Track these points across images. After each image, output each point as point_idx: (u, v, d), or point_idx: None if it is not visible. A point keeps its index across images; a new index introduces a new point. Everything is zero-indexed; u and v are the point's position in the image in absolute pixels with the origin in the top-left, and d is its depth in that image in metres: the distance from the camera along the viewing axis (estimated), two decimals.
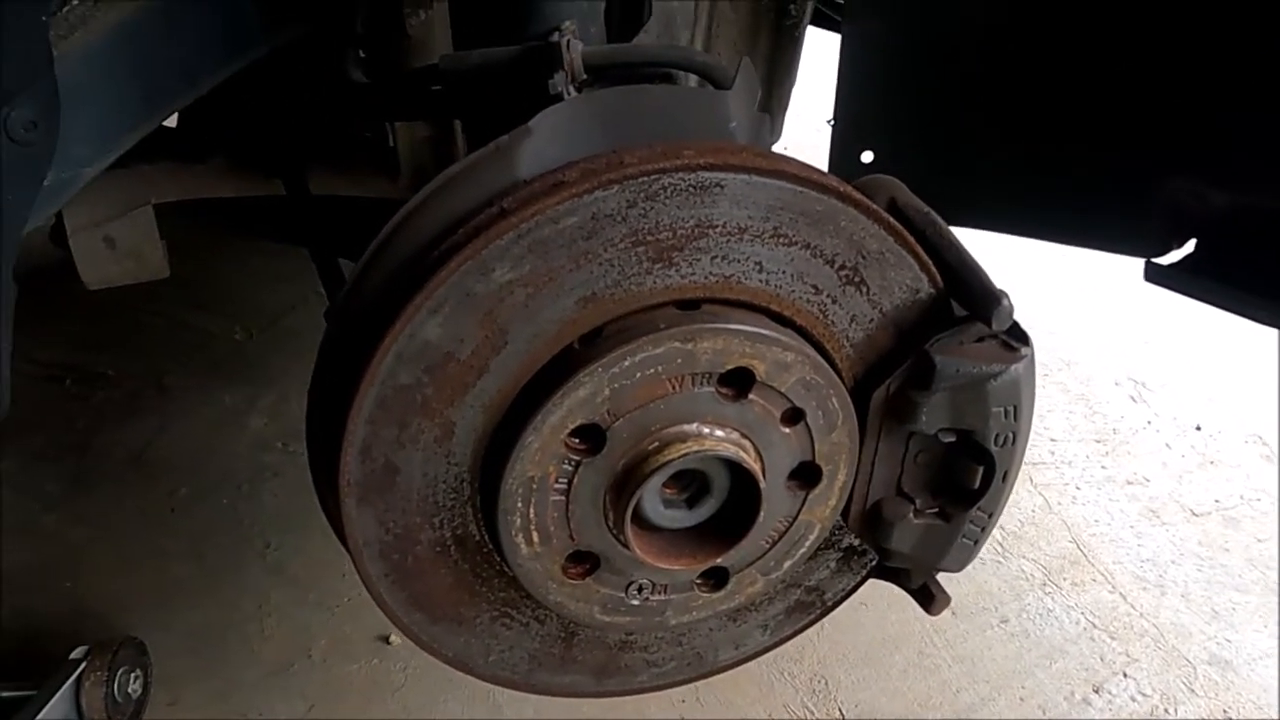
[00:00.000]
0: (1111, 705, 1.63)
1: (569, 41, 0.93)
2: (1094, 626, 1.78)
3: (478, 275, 0.77)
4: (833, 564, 1.06)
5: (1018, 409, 0.90)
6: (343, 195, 1.68)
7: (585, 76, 0.96)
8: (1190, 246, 1.41)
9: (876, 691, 1.66)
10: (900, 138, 1.60)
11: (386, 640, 1.76)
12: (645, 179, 0.77)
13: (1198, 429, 2.30)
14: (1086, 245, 1.50)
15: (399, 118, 1.37)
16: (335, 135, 1.58)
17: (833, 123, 1.61)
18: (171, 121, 1.40)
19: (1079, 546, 1.96)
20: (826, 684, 1.67)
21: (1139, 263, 1.40)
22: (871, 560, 1.07)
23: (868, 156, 1.64)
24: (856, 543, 1.05)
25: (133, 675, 1.62)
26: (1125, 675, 1.69)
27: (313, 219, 1.48)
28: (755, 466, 0.86)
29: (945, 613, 1.05)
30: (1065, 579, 1.88)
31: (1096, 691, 1.65)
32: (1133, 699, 1.64)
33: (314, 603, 1.85)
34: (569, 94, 0.95)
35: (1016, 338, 0.89)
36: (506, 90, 0.98)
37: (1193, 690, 1.65)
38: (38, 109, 1.05)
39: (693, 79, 1.08)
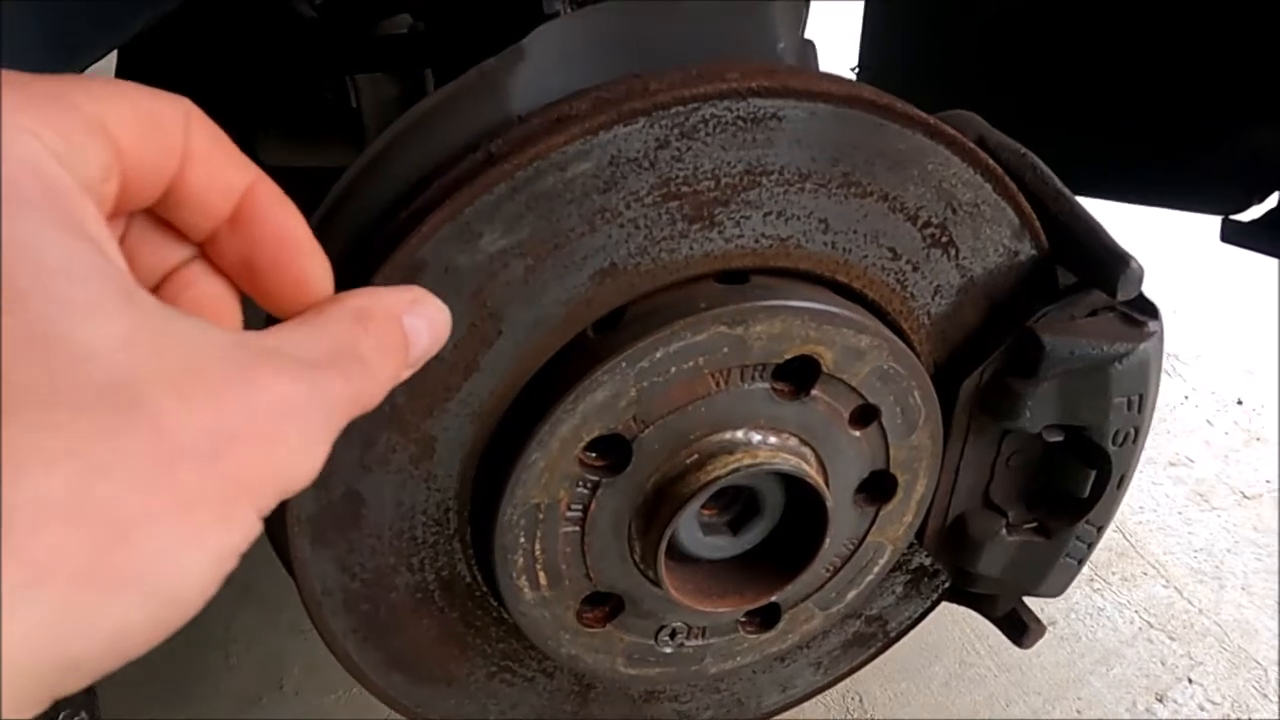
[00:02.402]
0: (1179, 715, 1.47)
1: None
2: (1150, 626, 1.61)
3: (459, 243, 0.57)
4: (899, 589, 0.88)
5: (1143, 399, 0.72)
6: (299, 166, 1.48)
7: None
8: (1274, 201, 1.24)
9: (917, 708, 1.49)
10: (934, 85, 1.41)
11: None
12: (680, 109, 0.57)
13: (1239, 403, 2.14)
14: (1152, 203, 1.32)
15: (358, 66, 1.16)
16: (288, 95, 1.37)
17: (857, 70, 1.43)
18: None
19: (1125, 536, 1.79)
20: (861, 701, 1.50)
21: (1160, 227, 1.23)
22: (944, 582, 0.89)
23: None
24: (928, 561, 0.87)
25: (77, 718, 1.43)
26: (1190, 681, 1.52)
27: None
28: (821, 482, 0.68)
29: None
30: (1114, 573, 1.71)
31: (1160, 700, 1.49)
32: (1201, 707, 1.48)
33: (286, 625, 1.65)
34: (567, 11, 0.76)
35: (1142, 310, 0.71)
36: (490, 12, 0.79)
37: (1266, 695, 1.49)
38: None
39: None
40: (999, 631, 0.88)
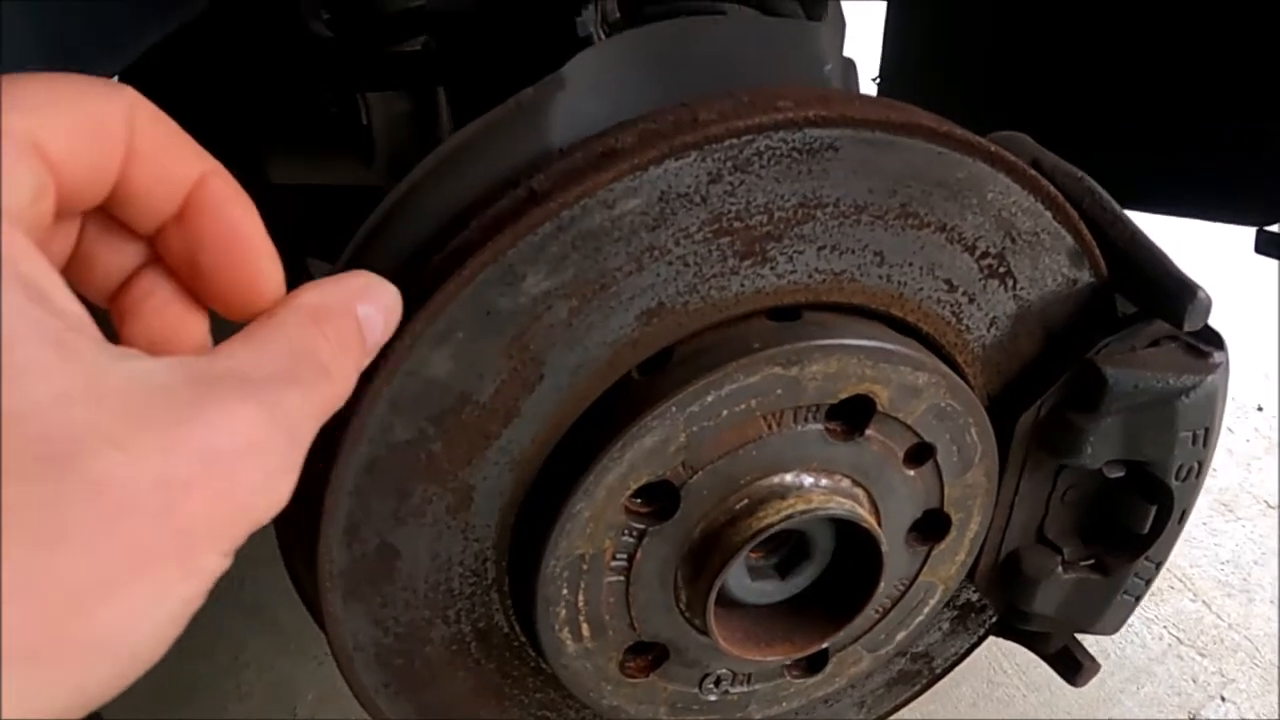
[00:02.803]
0: None
1: None
2: (1180, 642, 1.58)
3: (501, 286, 0.54)
4: (945, 625, 0.85)
5: (1209, 432, 0.69)
6: (307, 184, 1.45)
7: (617, 14, 0.74)
8: None
9: None
10: (957, 95, 1.38)
11: None
12: (734, 141, 0.54)
13: (1259, 410, 2.11)
14: (1183, 214, 1.29)
15: (374, 84, 1.13)
16: (296, 112, 1.34)
17: (878, 80, 1.40)
18: None
19: None
20: None
21: (1173, 232, 1.20)
22: (990, 616, 0.86)
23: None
24: (975, 597, 0.83)
25: None
26: (1223, 699, 1.49)
27: (273, 212, 1.24)
28: (876, 526, 0.64)
29: None
30: None
31: (1194, 719, 1.46)
32: None
33: (297, 651, 1.62)
34: (600, 37, 0.73)
35: (1206, 340, 0.68)
36: (516, 35, 0.76)
37: None
38: None
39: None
40: (1024, 650, 0.85)
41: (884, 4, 1.53)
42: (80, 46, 1.00)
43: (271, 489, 0.33)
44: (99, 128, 0.33)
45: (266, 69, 1.14)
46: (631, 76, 0.60)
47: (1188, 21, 1.17)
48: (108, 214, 0.37)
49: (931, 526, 0.70)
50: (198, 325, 0.39)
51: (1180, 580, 1.71)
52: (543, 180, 0.55)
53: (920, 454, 0.67)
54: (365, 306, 0.40)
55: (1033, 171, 0.62)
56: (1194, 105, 1.18)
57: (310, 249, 1.30)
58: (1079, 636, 0.83)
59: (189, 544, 0.30)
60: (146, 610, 0.30)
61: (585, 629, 0.65)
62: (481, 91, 0.78)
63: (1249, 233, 1.24)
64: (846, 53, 0.75)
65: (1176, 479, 0.70)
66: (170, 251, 0.38)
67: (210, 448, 0.31)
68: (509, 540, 0.63)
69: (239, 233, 0.37)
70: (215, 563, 0.31)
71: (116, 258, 0.38)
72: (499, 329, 0.55)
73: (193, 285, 0.38)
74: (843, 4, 1.30)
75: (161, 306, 0.38)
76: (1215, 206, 1.20)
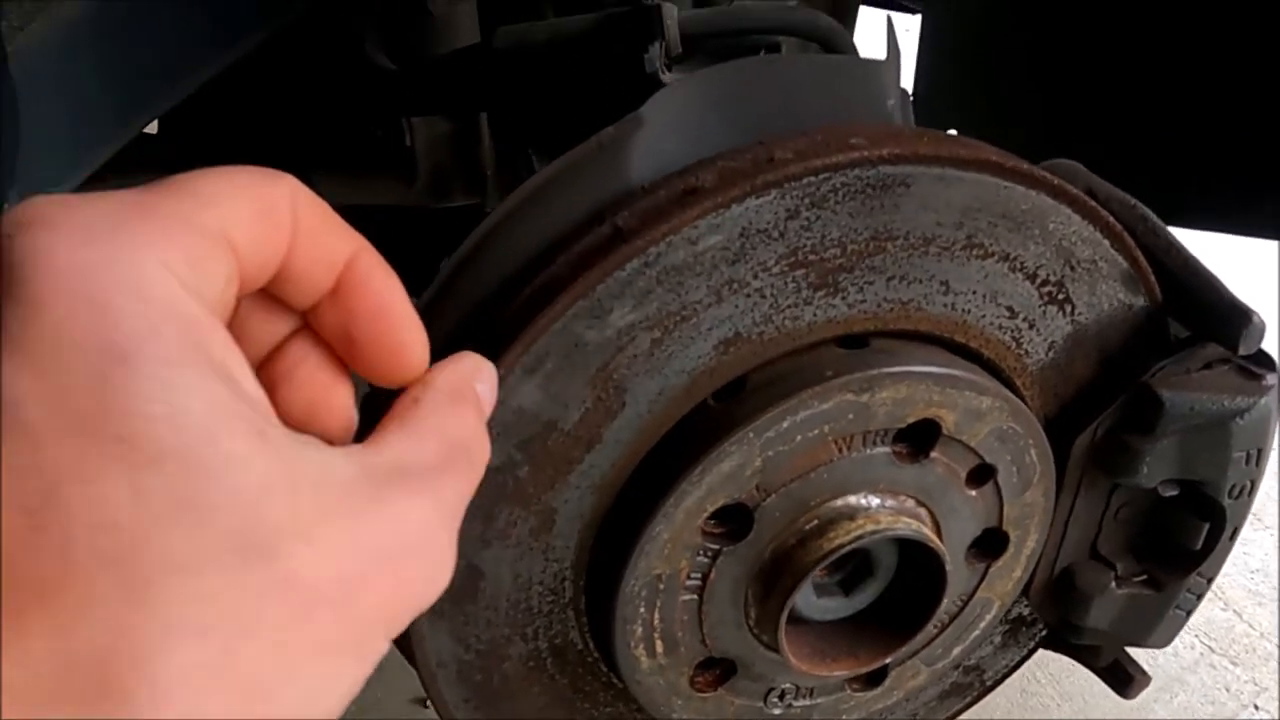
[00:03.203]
0: None
1: (663, 4, 0.73)
2: (1211, 651, 1.59)
3: (589, 319, 0.56)
4: (997, 638, 0.87)
5: (1262, 452, 0.71)
6: (352, 204, 1.48)
7: (679, 49, 0.76)
8: None
9: None
10: (987, 120, 1.41)
11: (424, 704, 1.56)
12: (812, 180, 0.57)
13: None
14: (1213, 228, 1.31)
15: (435, 111, 1.16)
16: (344, 133, 1.37)
17: (912, 97, 1.42)
18: (152, 126, 1.20)
19: None
20: None
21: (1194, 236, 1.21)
22: (1041, 630, 0.88)
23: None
24: (1026, 611, 0.85)
25: None
26: (1256, 708, 1.50)
27: None
28: (942, 546, 0.67)
29: None
30: None
31: None
32: None
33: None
34: (664, 71, 0.75)
35: (1259, 362, 0.70)
36: (581, 71, 0.78)
37: None
38: None
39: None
40: (1060, 660, 0.87)
41: (917, 21, 1.56)
42: (143, 80, 1.04)
43: (436, 575, 0.36)
44: (271, 215, 0.36)
45: (318, 94, 1.16)
46: (706, 115, 0.62)
47: (1215, 37, 1.19)
48: (263, 290, 0.39)
49: (990, 544, 0.73)
50: (344, 392, 0.41)
51: (1211, 589, 1.72)
52: (627, 217, 0.57)
53: (982, 474, 0.69)
54: (480, 385, 0.44)
55: (1093, 204, 0.64)
56: (1223, 118, 1.19)
57: None
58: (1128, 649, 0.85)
59: (365, 633, 0.33)
60: (324, 692, 0.32)
61: (659, 646, 0.67)
62: (558, 115, 0.80)
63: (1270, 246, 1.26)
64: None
65: (1230, 497, 0.72)
66: (323, 324, 0.40)
67: (385, 542, 0.34)
68: (587, 560, 0.65)
69: (388, 306, 0.40)
70: (384, 645, 0.34)
71: (269, 331, 0.40)
72: (585, 360, 0.58)
73: (344, 354, 0.40)
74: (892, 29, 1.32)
75: (311, 375, 0.40)
76: (1237, 219, 1.22)
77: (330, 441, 0.39)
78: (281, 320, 0.40)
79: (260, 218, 0.35)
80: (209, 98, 1.10)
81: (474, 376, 0.44)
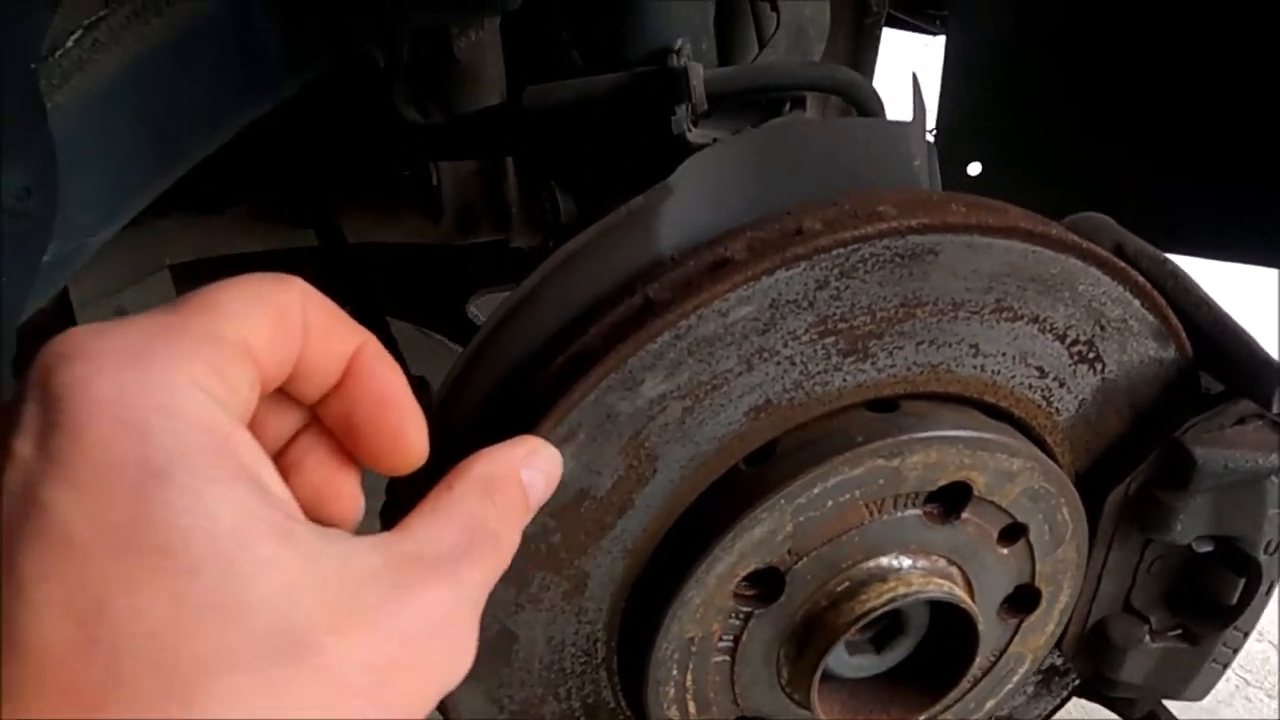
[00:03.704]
0: None
1: (690, 65, 0.74)
2: (1247, 684, 1.57)
3: (622, 390, 0.57)
4: (1030, 689, 0.86)
5: None
6: (378, 242, 1.49)
7: (705, 107, 0.77)
8: None
9: None
10: (1013, 146, 1.40)
11: None
12: (841, 251, 0.57)
13: None
14: (1231, 259, 1.30)
15: (461, 158, 1.17)
16: (371, 174, 1.39)
17: (934, 133, 1.42)
18: None
19: None
20: None
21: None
22: (1074, 679, 0.87)
23: (974, 169, 1.44)
24: (1059, 661, 0.85)
25: None
26: None
27: (352, 273, 1.29)
28: (974, 606, 0.66)
29: None
30: None
31: None
32: None
33: None
34: (689, 130, 0.76)
35: None
36: (607, 129, 0.79)
37: None
38: (32, 173, 0.86)
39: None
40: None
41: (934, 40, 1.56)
42: (181, 130, 1.06)
43: (460, 658, 0.37)
44: (286, 320, 0.38)
45: (347, 139, 1.18)
46: (734, 182, 0.62)
47: (1222, 70, 1.18)
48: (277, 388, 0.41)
49: (1022, 600, 0.72)
50: (351, 479, 0.43)
51: None
52: (658, 289, 0.58)
53: (1013, 533, 0.69)
54: (529, 471, 0.45)
55: (1122, 264, 0.64)
56: (1228, 148, 1.18)
57: (389, 309, 1.34)
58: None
59: (395, 717, 0.34)
60: None
61: (691, 706, 0.67)
62: (583, 173, 0.81)
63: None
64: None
65: (1265, 553, 0.71)
66: (328, 414, 0.41)
67: (410, 629, 0.35)
68: (619, 622, 0.66)
69: (390, 394, 0.41)
70: None
71: (282, 425, 0.41)
72: (618, 430, 0.58)
73: (347, 443, 0.42)
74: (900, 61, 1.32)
75: (318, 464, 0.42)
76: (1245, 248, 1.21)
77: (338, 524, 0.41)
78: (292, 414, 0.41)
79: (276, 324, 0.37)
80: (240, 142, 1.12)
81: (522, 463, 0.45)
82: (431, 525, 0.39)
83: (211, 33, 0.99)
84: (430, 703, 0.36)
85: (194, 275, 1.37)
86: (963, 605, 0.65)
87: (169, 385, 0.33)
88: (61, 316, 1.25)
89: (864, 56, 1.57)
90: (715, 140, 0.75)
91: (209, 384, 0.34)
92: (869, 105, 0.79)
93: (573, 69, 0.92)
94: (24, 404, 0.33)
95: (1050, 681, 0.87)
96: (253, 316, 0.36)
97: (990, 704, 0.78)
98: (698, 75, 0.73)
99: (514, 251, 1.52)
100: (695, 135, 0.76)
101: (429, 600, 0.36)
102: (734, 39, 1.08)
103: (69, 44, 0.97)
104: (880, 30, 1.59)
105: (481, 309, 1.54)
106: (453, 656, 0.37)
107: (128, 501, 0.31)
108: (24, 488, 0.32)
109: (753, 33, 1.10)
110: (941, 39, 1.57)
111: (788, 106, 0.83)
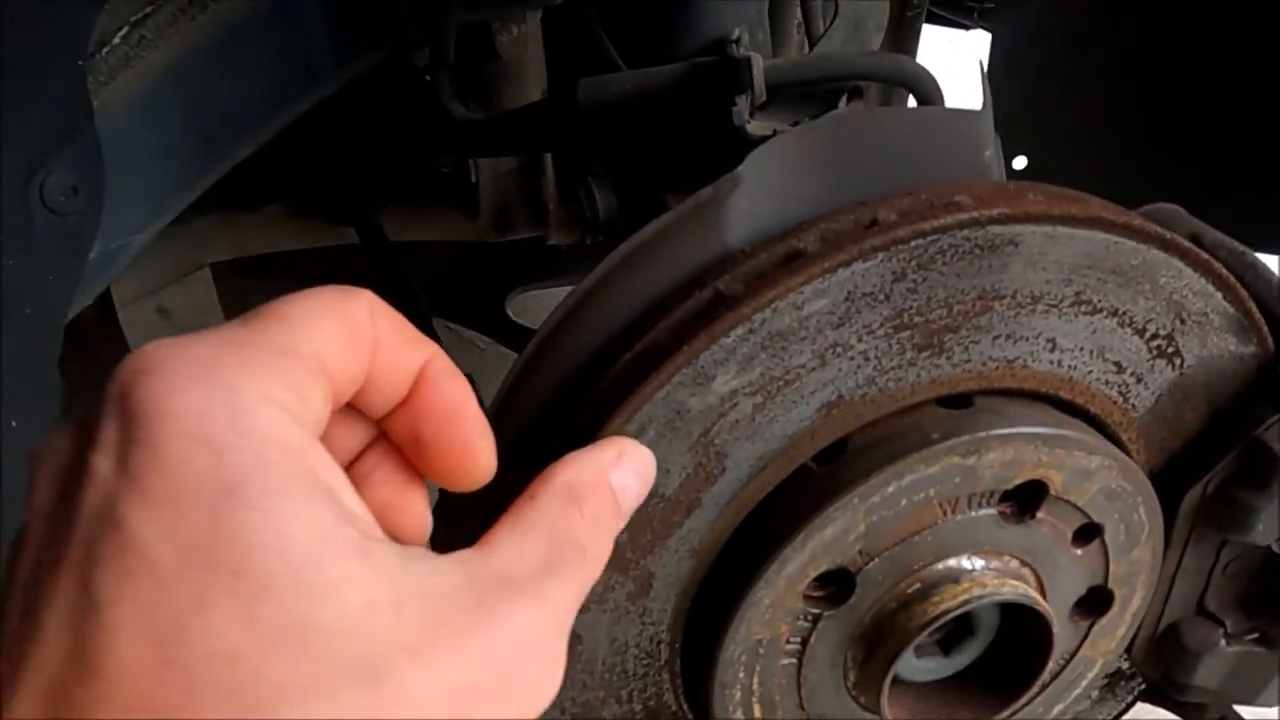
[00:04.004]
0: None
1: (751, 55, 0.72)
2: None
3: (693, 387, 0.56)
4: (1095, 693, 0.84)
5: None
6: (416, 240, 1.49)
7: (764, 98, 0.76)
8: None
9: None
10: (1060, 138, 1.38)
11: None
12: (920, 242, 0.55)
13: None
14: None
15: (505, 154, 1.16)
16: (409, 172, 1.38)
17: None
18: None
19: None
20: None
21: None
22: (1139, 684, 0.85)
23: (1020, 162, 1.42)
24: (1125, 665, 0.83)
25: None
26: None
27: (393, 270, 1.28)
28: (1049, 609, 0.65)
29: None
30: None
31: None
32: None
33: None
34: (749, 122, 0.74)
35: None
36: (663, 122, 0.78)
37: None
38: (78, 171, 0.86)
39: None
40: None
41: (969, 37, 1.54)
42: (225, 128, 1.05)
43: (548, 681, 0.36)
44: (356, 333, 0.37)
45: (390, 135, 1.18)
46: (804, 173, 0.61)
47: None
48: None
49: (1095, 603, 0.70)
50: (418, 494, 0.42)
51: None
52: (729, 282, 0.56)
53: (1088, 533, 0.67)
54: (619, 474, 0.44)
55: (1206, 256, 0.62)
56: None
57: (436, 309, 1.33)
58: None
59: None
60: None
61: (757, 710, 0.66)
62: (637, 168, 0.80)
63: None
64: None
65: None
66: (394, 429, 0.40)
67: (494, 653, 0.34)
68: (683, 623, 0.65)
69: (457, 408, 0.40)
70: None
71: (350, 439, 0.40)
72: (687, 427, 0.57)
73: (414, 458, 0.41)
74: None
75: (385, 479, 0.41)
76: None
77: (407, 541, 0.40)
78: (360, 429, 0.41)
79: (348, 337, 0.36)
80: (280, 140, 1.11)
81: (612, 466, 0.44)
82: (514, 541, 0.38)
83: (258, 28, 0.99)
84: None
85: (234, 274, 1.37)
86: (1038, 608, 0.64)
87: (242, 401, 0.33)
88: (104, 317, 1.25)
89: (904, 50, 1.54)
90: (775, 133, 0.73)
91: (283, 398, 0.34)
92: (932, 97, 0.77)
93: (613, 65, 0.91)
94: (102, 419, 0.33)
95: (1115, 686, 0.84)
96: (325, 329, 0.36)
97: (1058, 709, 0.76)
98: (759, 66, 0.71)
99: (551, 249, 1.51)
100: (754, 127, 0.75)
101: (515, 621, 0.35)
102: (778, 30, 1.06)
103: (116, 40, 0.97)
104: (921, 24, 1.57)
105: (519, 307, 1.53)
106: (540, 680, 0.36)
107: (202, 520, 0.31)
108: (103, 505, 0.31)
109: (794, 26, 1.08)
110: (968, 35, 1.55)
111: (845, 99, 0.81)
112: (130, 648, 0.29)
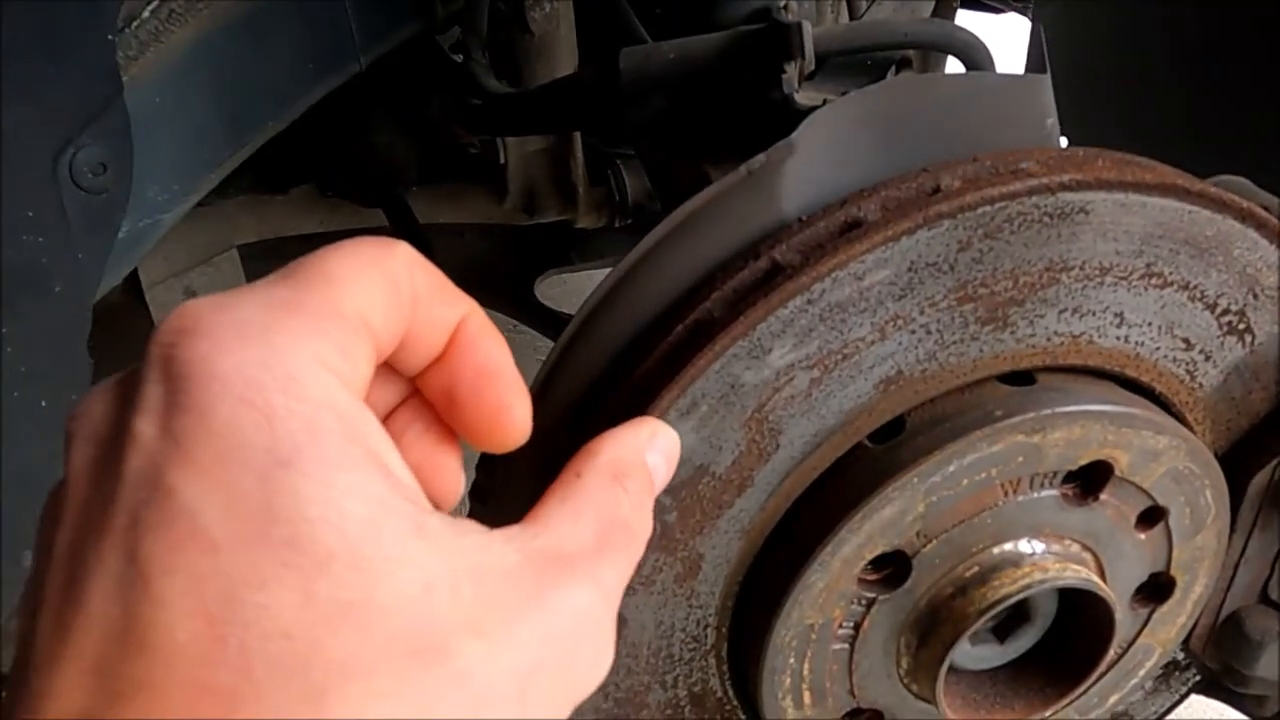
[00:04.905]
0: None
1: (801, 21, 0.70)
2: None
3: (749, 359, 0.54)
4: (1149, 684, 0.81)
5: None
6: (445, 223, 1.47)
7: (813, 67, 0.73)
8: None
9: None
10: (1101, 118, 1.34)
11: None
12: (987, 210, 0.53)
13: None
14: None
15: (536, 132, 1.15)
16: (437, 152, 1.36)
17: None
18: None
19: None
20: None
21: None
22: (1194, 675, 0.82)
23: (1061, 142, 1.39)
24: (1180, 656, 0.80)
25: None
26: None
27: (424, 253, 1.26)
28: (1111, 595, 0.62)
29: None
30: None
31: None
32: None
33: None
34: (797, 90, 0.72)
35: None
36: (707, 92, 0.75)
37: None
38: (108, 148, 0.84)
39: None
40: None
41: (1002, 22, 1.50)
42: (253, 105, 1.04)
43: (600, 660, 0.35)
44: (397, 288, 0.35)
45: (441, 120, 1.16)
46: (861, 140, 0.58)
47: None
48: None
49: (1156, 589, 0.68)
50: (452, 455, 0.40)
51: None
52: (785, 252, 0.54)
53: (1153, 517, 0.64)
54: (653, 455, 0.42)
55: None
56: None
57: (464, 291, 1.31)
58: None
59: None
60: None
61: (807, 696, 0.64)
62: (680, 139, 0.78)
63: None
64: None
65: None
66: (428, 386, 0.39)
67: (552, 633, 0.32)
68: (731, 606, 0.63)
69: (494, 366, 0.38)
70: None
71: (385, 397, 0.39)
72: (742, 402, 0.55)
73: (447, 416, 0.39)
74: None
75: (419, 437, 0.39)
76: None
77: (438, 503, 0.39)
78: (395, 386, 0.39)
79: (389, 293, 0.35)
80: (308, 118, 1.10)
81: (646, 446, 0.43)
82: (565, 519, 0.37)
83: (288, 3, 0.97)
84: (569, 708, 0.34)
85: (261, 256, 1.36)
86: (1100, 593, 0.61)
87: (293, 364, 0.31)
88: (133, 299, 1.24)
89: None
90: (825, 102, 0.71)
91: (332, 362, 0.32)
92: (984, 67, 0.75)
93: (639, 38, 0.89)
94: (143, 381, 0.31)
95: (1169, 677, 0.82)
96: (368, 286, 0.34)
97: (1113, 699, 0.74)
98: (808, 33, 0.69)
99: (580, 232, 1.49)
100: (802, 98, 0.72)
101: (572, 601, 0.34)
102: (816, 11, 1.04)
103: (145, 14, 0.95)
104: (958, 5, 1.54)
105: (548, 290, 1.51)
106: (596, 658, 0.35)
107: (254, 491, 0.29)
108: (148, 471, 0.29)
109: (828, 6, 1.06)
110: (999, 20, 1.52)
111: (894, 69, 0.79)
112: (182, 623, 0.28)
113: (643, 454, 0.42)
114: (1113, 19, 1.29)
